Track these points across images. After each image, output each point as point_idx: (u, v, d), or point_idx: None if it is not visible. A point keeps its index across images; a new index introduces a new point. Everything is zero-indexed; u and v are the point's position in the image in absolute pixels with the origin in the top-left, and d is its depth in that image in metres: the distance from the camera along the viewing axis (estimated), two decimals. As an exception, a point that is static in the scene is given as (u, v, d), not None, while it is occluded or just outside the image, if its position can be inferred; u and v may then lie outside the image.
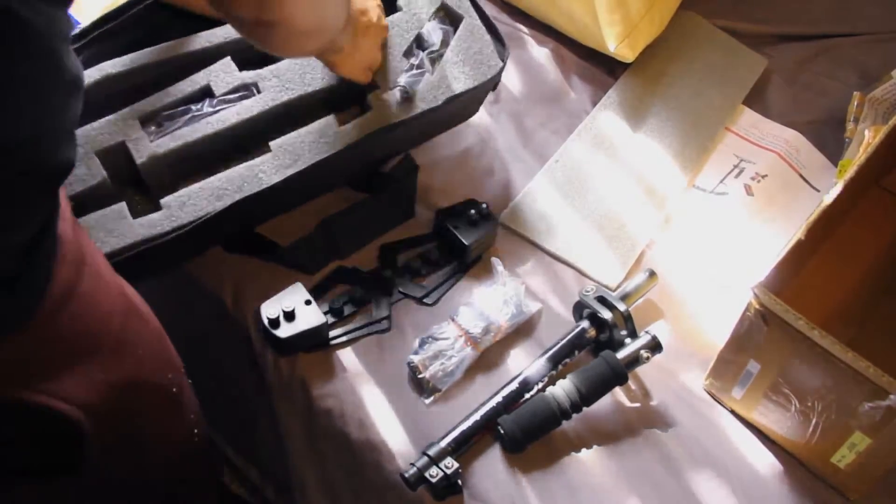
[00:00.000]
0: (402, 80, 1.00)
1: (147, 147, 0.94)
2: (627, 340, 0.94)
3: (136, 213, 0.92)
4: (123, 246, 0.89)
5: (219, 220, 0.92)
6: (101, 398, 0.70)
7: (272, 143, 0.96)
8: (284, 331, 0.93)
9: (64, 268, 0.64)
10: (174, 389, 0.85)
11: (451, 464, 0.85)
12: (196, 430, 0.93)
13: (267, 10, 0.68)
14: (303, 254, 1.01)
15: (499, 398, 0.91)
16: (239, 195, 0.92)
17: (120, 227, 0.90)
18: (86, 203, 0.90)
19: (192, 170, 0.96)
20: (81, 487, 0.80)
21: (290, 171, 0.94)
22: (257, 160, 0.95)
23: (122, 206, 0.91)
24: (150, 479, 0.89)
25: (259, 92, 0.98)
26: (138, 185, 0.96)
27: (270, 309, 0.94)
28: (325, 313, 0.96)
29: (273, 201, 0.98)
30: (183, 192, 0.93)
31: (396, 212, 1.08)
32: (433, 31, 1.05)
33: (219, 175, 0.94)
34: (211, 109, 0.97)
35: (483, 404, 0.91)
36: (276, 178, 0.93)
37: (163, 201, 0.92)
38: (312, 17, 0.74)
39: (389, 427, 0.91)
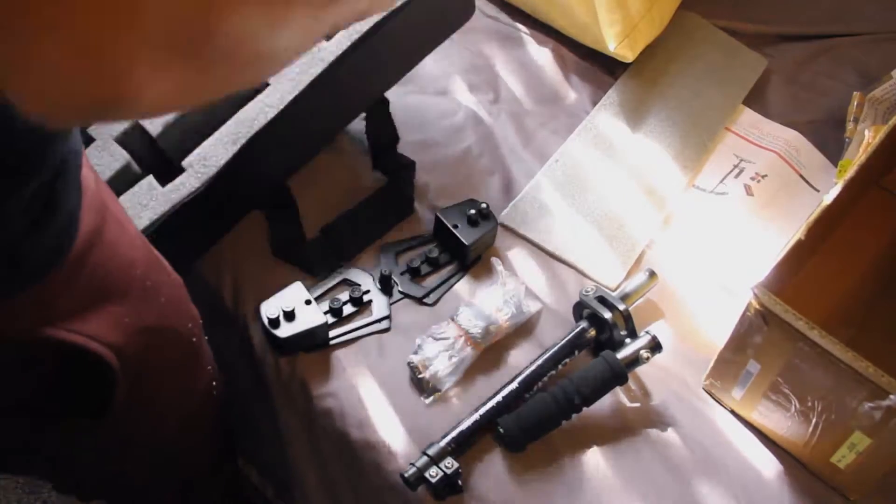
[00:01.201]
0: None
1: (158, 119, 0.97)
2: (627, 340, 0.94)
3: (164, 184, 0.95)
4: (159, 216, 0.92)
5: (241, 164, 0.95)
6: (128, 341, 0.72)
7: (270, 78, 0.99)
8: (284, 331, 0.93)
9: (89, 214, 0.66)
10: (194, 339, 0.87)
11: (451, 464, 0.85)
12: (214, 384, 0.95)
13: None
14: (313, 254, 1.03)
15: (499, 398, 0.91)
16: (251, 132, 0.96)
17: (152, 198, 0.94)
18: (116, 188, 0.93)
19: (208, 128, 0.99)
20: (100, 434, 0.81)
21: (291, 96, 0.97)
22: (260, 96, 0.99)
23: (150, 178, 0.94)
24: (165, 432, 0.90)
25: None
26: (160, 165, 0.99)
27: (270, 309, 0.94)
28: (325, 313, 0.96)
29: (287, 139, 1.01)
30: (200, 149, 0.96)
31: (396, 210, 1.08)
32: None
33: (228, 122, 0.97)
34: None
35: (483, 404, 0.91)
36: (282, 106, 0.97)
37: (185, 163, 0.96)
38: None
39: (389, 427, 0.91)
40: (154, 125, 0.97)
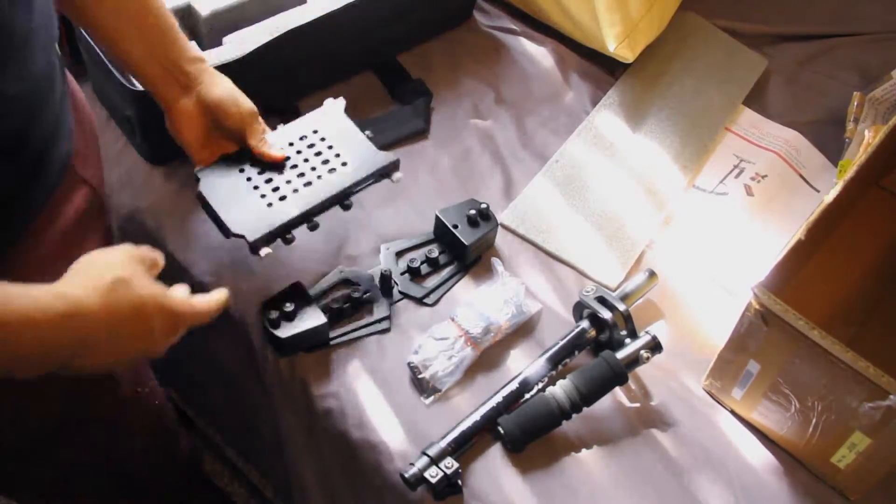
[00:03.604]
0: None
1: (207, 6, 1.10)
2: (627, 340, 0.94)
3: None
4: None
5: (271, 51, 1.07)
6: None
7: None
8: (284, 331, 0.93)
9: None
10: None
11: (450, 464, 0.85)
12: None
13: None
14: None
15: (499, 398, 0.91)
16: (287, 28, 1.08)
17: None
18: None
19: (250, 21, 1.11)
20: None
21: (324, 12, 1.12)
22: (300, 6, 1.13)
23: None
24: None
25: None
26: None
27: (270, 309, 0.94)
28: (325, 313, 0.96)
29: (318, 43, 1.14)
30: (243, 31, 1.08)
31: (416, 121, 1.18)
32: None
33: (272, 17, 1.10)
34: None
35: (483, 404, 0.91)
36: (316, 15, 1.11)
37: (225, 39, 1.07)
38: None
39: (389, 427, 0.91)
40: (203, 7, 1.10)
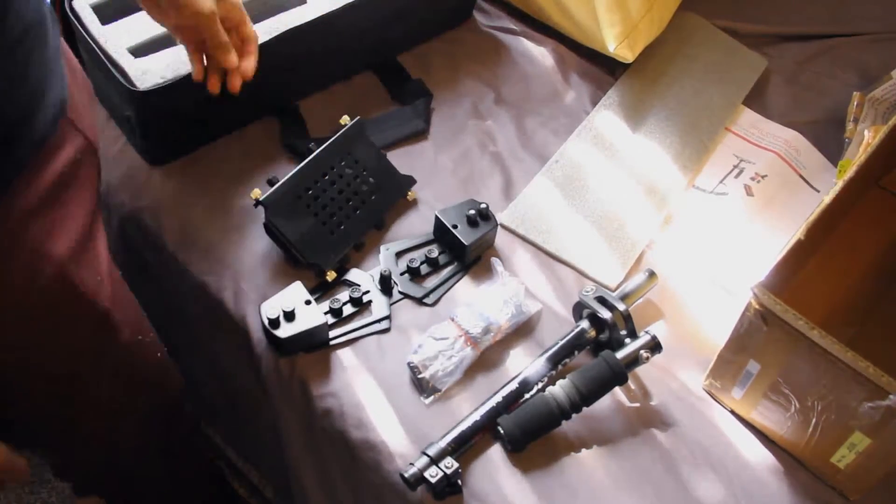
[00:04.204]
0: None
1: None
2: (627, 340, 0.94)
3: None
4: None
5: (275, 50, 1.06)
6: None
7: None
8: (284, 331, 0.93)
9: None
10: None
11: (450, 464, 0.85)
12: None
13: None
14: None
15: (499, 398, 0.91)
16: (286, 28, 1.09)
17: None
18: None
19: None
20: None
21: (323, 12, 1.13)
22: (299, 6, 1.14)
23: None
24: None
25: None
26: None
27: (270, 309, 0.94)
28: (325, 313, 0.96)
29: (318, 42, 1.15)
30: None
31: (415, 121, 1.19)
32: None
33: (272, 17, 1.11)
34: None
35: (483, 404, 0.91)
36: (316, 15, 1.12)
37: None
38: None
39: (389, 427, 0.91)
40: None
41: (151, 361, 0.96)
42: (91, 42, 1.04)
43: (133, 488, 1.11)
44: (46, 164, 0.72)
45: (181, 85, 1.01)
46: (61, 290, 0.76)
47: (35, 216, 0.71)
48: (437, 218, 1.04)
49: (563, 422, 0.90)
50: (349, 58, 1.22)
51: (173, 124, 1.08)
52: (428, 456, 0.85)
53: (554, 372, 0.94)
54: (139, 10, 1.01)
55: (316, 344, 0.96)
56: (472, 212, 1.03)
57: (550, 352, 0.95)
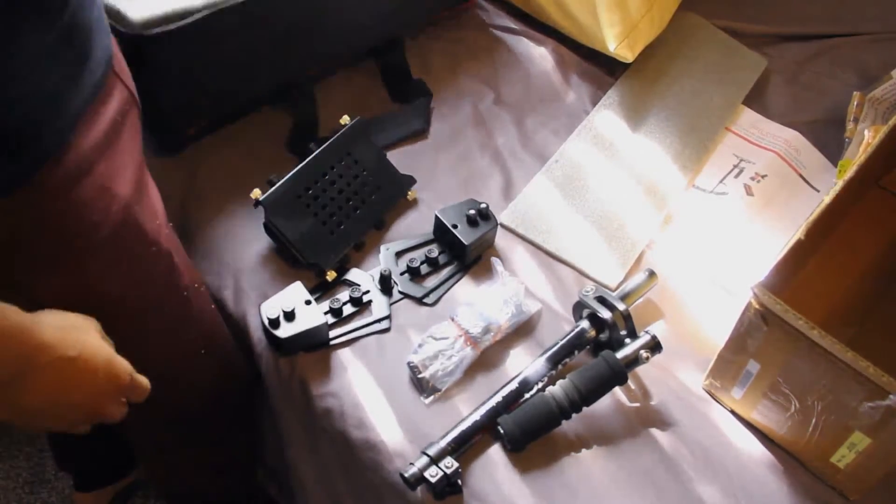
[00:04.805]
0: None
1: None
2: (627, 340, 0.94)
3: None
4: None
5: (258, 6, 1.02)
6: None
7: None
8: (284, 331, 0.93)
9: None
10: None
11: (450, 463, 0.85)
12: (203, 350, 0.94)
13: None
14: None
15: (499, 398, 0.91)
16: None
17: None
18: None
19: None
20: None
21: None
22: None
23: None
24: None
25: None
26: None
27: (270, 309, 0.94)
28: (325, 313, 0.97)
29: (312, 13, 1.09)
30: None
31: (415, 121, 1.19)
32: None
33: None
34: None
35: (483, 404, 0.91)
36: None
37: None
38: None
39: (389, 427, 0.91)
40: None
41: (206, 308, 0.96)
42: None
43: (186, 447, 1.09)
44: (98, 115, 0.72)
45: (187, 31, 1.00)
46: (128, 229, 0.77)
47: (97, 159, 0.72)
48: (437, 218, 1.04)
49: (563, 422, 0.90)
50: (349, 35, 1.17)
51: (185, 91, 1.06)
52: (428, 456, 0.85)
53: (554, 372, 0.94)
54: None
55: (316, 344, 0.96)
56: (472, 211, 1.03)
57: (550, 352, 0.95)
